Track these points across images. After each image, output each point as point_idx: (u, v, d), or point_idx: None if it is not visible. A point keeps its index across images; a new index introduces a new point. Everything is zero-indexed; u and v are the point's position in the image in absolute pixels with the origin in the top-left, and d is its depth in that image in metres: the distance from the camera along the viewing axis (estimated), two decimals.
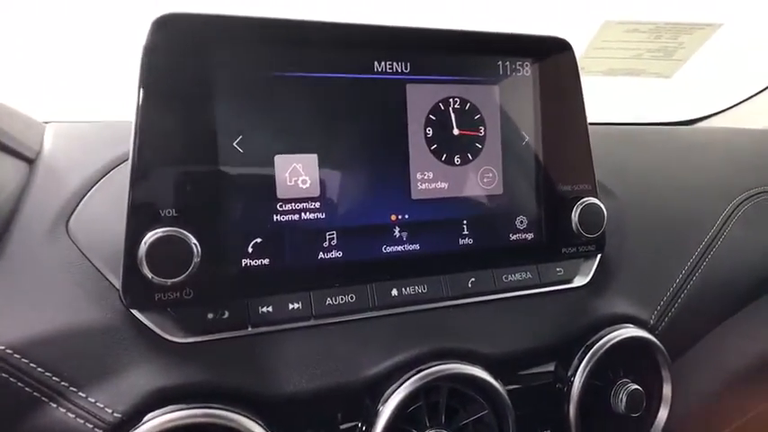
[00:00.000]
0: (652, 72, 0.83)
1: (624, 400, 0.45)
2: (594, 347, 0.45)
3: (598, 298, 0.49)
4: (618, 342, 0.46)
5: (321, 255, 0.40)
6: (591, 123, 0.82)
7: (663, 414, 0.48)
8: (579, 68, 0.78)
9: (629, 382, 0.46)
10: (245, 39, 0.38)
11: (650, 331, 0.48)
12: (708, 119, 1.03)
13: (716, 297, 0.55)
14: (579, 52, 0.74)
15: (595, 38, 0.73)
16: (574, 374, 0.45)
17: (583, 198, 0.47)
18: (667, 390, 0.48)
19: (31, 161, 0.43)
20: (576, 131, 0.49)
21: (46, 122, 0.50)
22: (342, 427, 0.40)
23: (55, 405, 0.33)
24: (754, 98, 0.99)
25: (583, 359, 0.45)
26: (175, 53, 0.36)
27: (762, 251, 0.60)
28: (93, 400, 0.34)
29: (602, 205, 0.48)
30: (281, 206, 0.39)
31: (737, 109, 1.01)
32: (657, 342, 0.47)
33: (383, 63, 0.42)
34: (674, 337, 0.51)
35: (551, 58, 0.48)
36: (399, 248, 0.43)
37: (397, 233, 0.43)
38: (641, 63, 0.81)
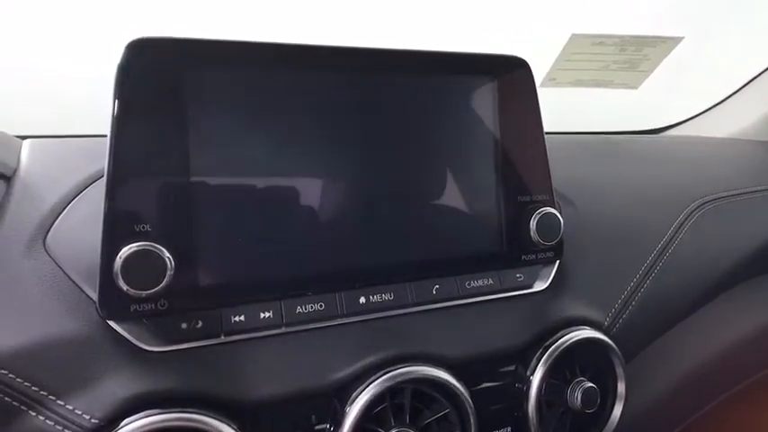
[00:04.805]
0: (619, 83, 0.87)
1: (579, 397, 0.48)
2: (551, 348, 0.48)
3: (556, 302, 0.52)
4: (573, 343, 0.49)
5: (292, 265, 0.42)
6: (559, 133, 0.85)
7: (618, 410, 0.51)
8: (549, 80, 0.81)
9: (584, 381, 0.49)
10: (216, 61, 0.41)
11: (605, 332, 0.52)
12: (674, 127, 1.08)
13: (669, 300, 0.59)
14: (549, 65, 0.77)
15: (564, 50, 0.76)
16: (532, 374, 0.48)
17: (540, 208, 0.50)
18: (621, 387, 0.51)
19: (7, 178, 0.44)
20: (534, 145, 0.52)
21: (23, 137, 0.51)
22: (316, 428, 0.42)
23: (34, 413, 0.35)
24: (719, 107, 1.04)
25: (541, 359, 0.48)
26: (148, 75, 0.38)
27: (713, 257, 0.64)
28: (71, 408, 0.35)
29: (558, 214, 0.51)
30: None
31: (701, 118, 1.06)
32: (611, 342, 0.50)
33: None
34: (628, 337, 0.54)
35: (509, 76, 0.51)
36: (367, 258, 0.45)
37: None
38: (609, 74, 0.84)
